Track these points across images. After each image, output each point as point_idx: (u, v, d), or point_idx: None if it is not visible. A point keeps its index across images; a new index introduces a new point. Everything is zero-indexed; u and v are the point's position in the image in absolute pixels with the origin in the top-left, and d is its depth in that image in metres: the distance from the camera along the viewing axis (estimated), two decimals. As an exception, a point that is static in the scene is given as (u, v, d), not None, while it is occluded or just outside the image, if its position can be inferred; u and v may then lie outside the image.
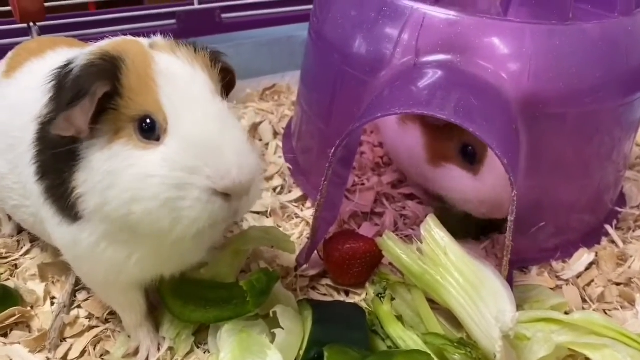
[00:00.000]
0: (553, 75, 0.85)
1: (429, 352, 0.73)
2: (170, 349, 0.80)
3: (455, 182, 0.94)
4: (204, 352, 0.80)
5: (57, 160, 0.65)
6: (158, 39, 0.70)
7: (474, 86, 0.83)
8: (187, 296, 0.78)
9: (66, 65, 0.66)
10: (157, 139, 0.61)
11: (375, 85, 0.90)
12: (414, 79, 0.85)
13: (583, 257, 0.97)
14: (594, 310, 0.88)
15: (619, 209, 1.08)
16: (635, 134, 1.04)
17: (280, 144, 1.25)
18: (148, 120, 0.61)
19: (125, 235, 0.65)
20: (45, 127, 0.66)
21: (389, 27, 0.90)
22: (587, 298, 0.91)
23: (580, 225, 1.02)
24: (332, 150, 0.82)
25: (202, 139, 0.60)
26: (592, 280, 0.93)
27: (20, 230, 1.00)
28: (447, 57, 0.86)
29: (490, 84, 0.83)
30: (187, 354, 0.80)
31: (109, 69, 0.62)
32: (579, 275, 0.94)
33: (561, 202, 0.97)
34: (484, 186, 0.91)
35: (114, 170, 0.61)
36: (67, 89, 0.63)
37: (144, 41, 0.69)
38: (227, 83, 0.73)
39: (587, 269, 0.95)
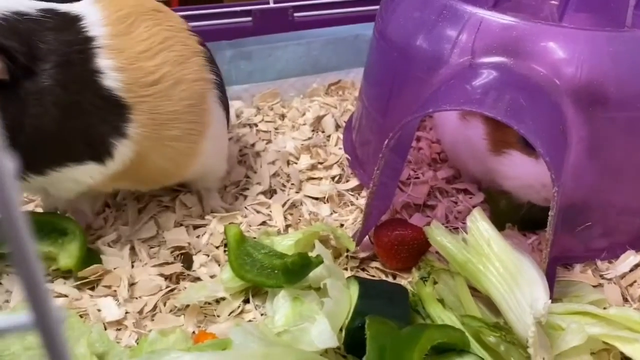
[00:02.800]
0: (604, 80, 0.87)
1: (463, 330, 0.78)
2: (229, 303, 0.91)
3: (518, 167, 0.97)
4: (261, 315, 0.89)
5: None
6: None
7: (525, 88, 0.87)
8: (248, 256, 0.89)
9: None
10: None
11: (432, 83, 0.96)
12: (468, 78, 0.91)
13: (629, 259, 0.98)
14: (634, 309, 0.90)
15: (673, 215, 1.08)
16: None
17: (341, 137, 1.33)
18: None
19: None
20: None
21: (448, 28, 0.96)
22: (628, 297, 0.93)
23: (630, 227, 1.03)
24: (386, 142, 0.89)
25: None
26: (635, 281, 0.96)
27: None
28: (502, 59, 0.90)
29: (541, 86, 0.87)
30: (246, 312, 0.90)
31: None
32: (622, 276, 0.96)
33: (611, 203, 0.99)
34: (546, 170, 0.95)
35: None
36: None
37: None
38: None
39: (631, 270, 0.97)
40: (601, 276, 0.97)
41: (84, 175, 0.90)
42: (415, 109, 0.89)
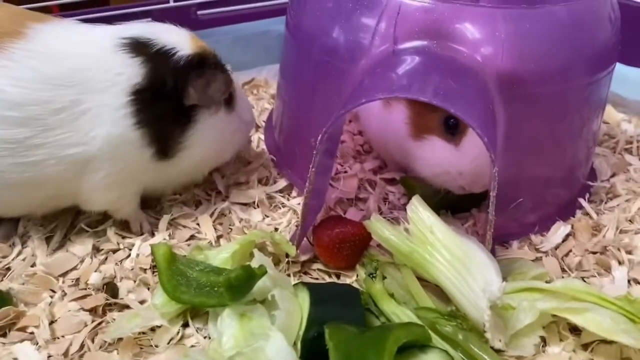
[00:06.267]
0: (524, 57, 0.88)
1: (422, 324, 0.76)
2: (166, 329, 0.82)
3: (437, 153, 0.96)
4: (204, 338, 0.82)
5: None
6: None
7: (451, 69, 0.86)
8: (181, 276, 0.81)
9: None
10: None
11: (355, 74, 0.93)
12: (393, 65, 0.88)
13: (560, 230, 1.01)
14: (574, 278, 0.92)
15: (591, 183, 1.13)
16: (602, 112, 1.09)
17: (262, 137, 1.27)
18: None
19: None
20: None
21: (366, 16, 0.93)
22: (565, 267, 0.95)
23: (556, 199, 1.07)
24: (319, 137, 0.85)
25: None
26: (570, 251, 0.98)
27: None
28: (424, 42, 0.89)
29: (466, 66, 0.87)
30: (187, 338, 0.82)
31: None
32: (557, 247, 0.99)
33: (537, 178, 1.02)
34: (464, 158, 0.94)
35: None
36: None
37: None
38: None
39: (564, 240, 1.00)
40: (537, 250, 0.99)
41: None
42: (345, 101, 0.86)
